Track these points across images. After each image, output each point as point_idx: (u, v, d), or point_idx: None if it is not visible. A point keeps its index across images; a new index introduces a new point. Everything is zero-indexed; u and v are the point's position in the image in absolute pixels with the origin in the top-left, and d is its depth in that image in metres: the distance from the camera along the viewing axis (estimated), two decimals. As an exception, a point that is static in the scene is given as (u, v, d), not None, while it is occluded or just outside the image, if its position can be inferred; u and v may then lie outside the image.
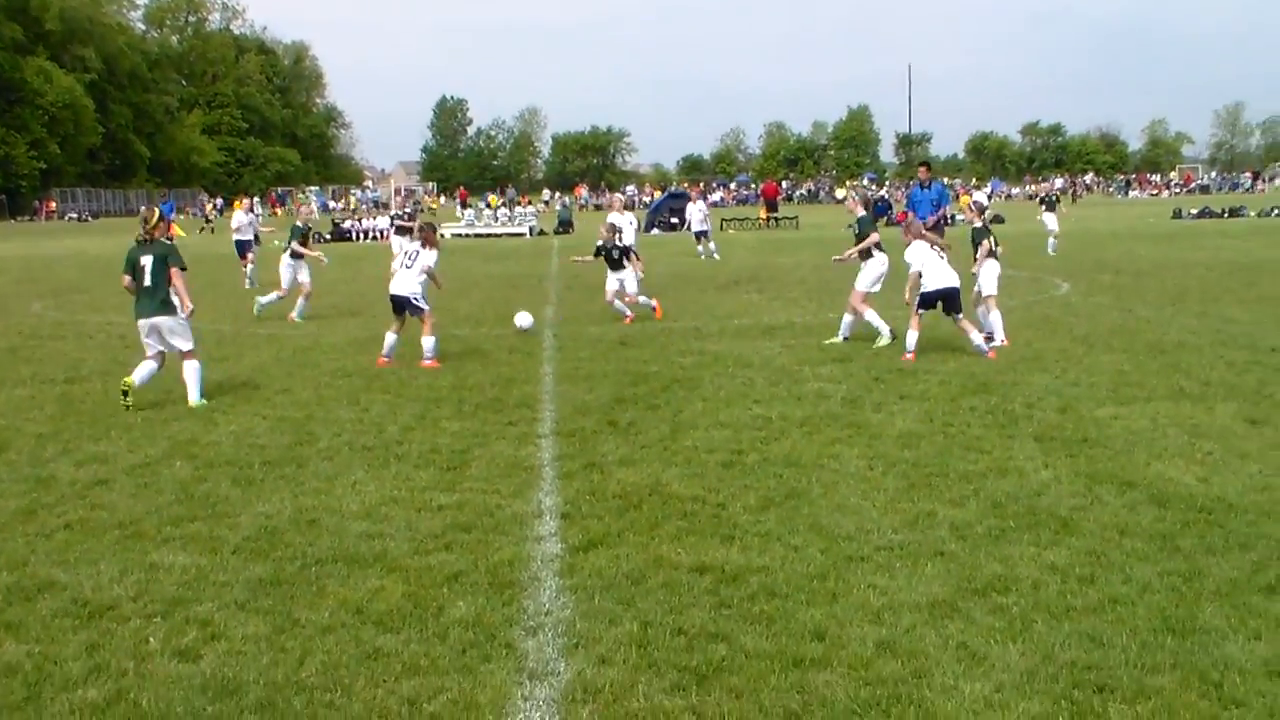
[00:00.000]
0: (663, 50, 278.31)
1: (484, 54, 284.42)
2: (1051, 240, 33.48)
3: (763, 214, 63.68)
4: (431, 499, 8.31)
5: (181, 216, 72.86)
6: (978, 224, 16.19)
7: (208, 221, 72.09)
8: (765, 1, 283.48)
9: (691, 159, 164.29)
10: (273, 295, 20.61)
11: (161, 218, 12.49)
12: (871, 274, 15.57)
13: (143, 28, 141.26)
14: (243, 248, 28.81)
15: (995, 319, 15.17)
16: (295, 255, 20.75)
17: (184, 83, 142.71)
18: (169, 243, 12.29)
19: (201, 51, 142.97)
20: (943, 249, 14.56)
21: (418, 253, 14.58)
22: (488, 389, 12.65)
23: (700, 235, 35.30)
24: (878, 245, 15.70)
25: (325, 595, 6.41)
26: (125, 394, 11.75)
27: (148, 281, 11.97)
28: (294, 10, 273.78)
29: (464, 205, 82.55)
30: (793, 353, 14.77)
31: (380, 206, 75.37)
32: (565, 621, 5.98)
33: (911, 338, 14.09)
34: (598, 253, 19.25)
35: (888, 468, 8.95)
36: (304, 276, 20.63)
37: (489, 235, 56.34)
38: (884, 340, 14.88)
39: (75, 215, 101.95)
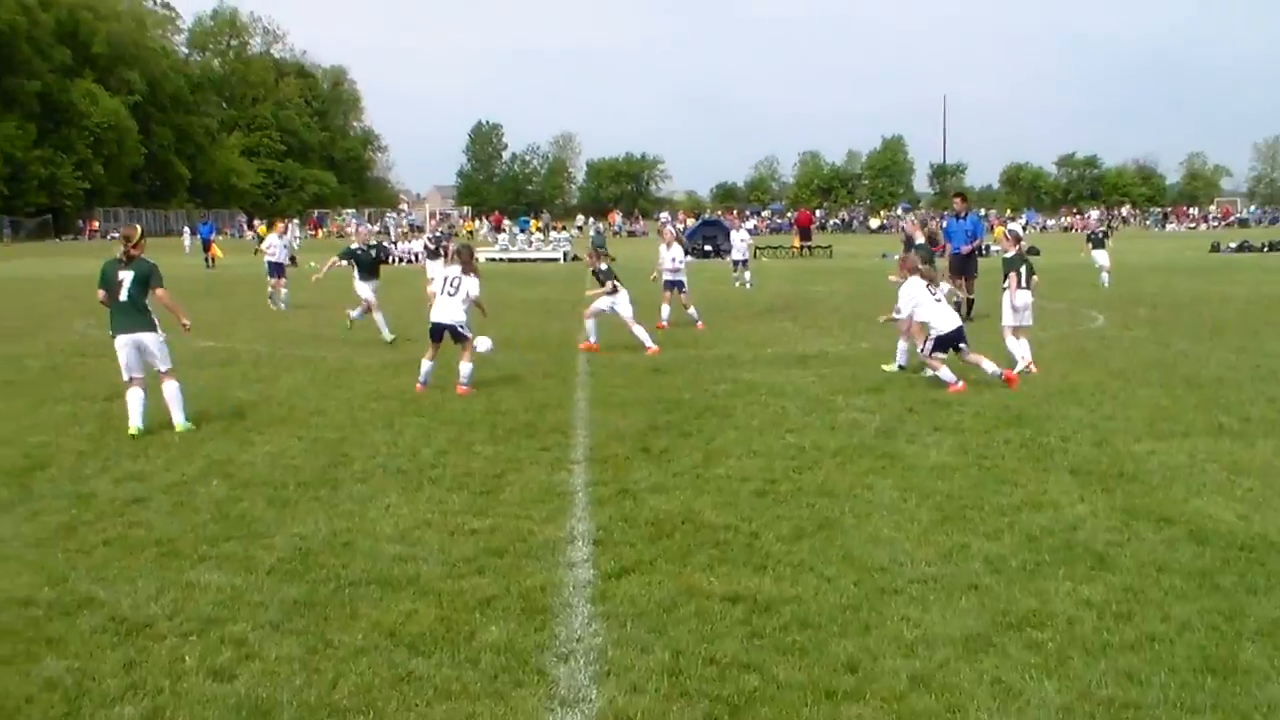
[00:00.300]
0: (698, 77, 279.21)
1: (520, 79, 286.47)
2: (1104, 275, 33.26)
3: (796, 242, 63.72)
4: (464, 523, 8.33)
5: (220, 237, 73.15)
6: (1011, 253, 16.07)
7: (260, 241, 71.62)
8: (800, 30, 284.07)
9: (725, 186, 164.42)
10: (379, 319, 20.20)
11: (143, 236, 12.34)
12: None
13: (186, 51, 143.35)
14: (274, 269, 28.83)
15: (1011, 344, 15.22)
16: (364, 276, 20.66)
17: (225, 105, 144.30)
18: (151, 262, 12.07)
19: (242, 75, 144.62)
20: (934, 283, 14.48)
21: (459, 279, 14.32)
22: (521, 414, 12.68)
23: (739, 264, 35.23)
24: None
25: (358, 617, 6.43)
26: (135, 438, 11.54)
27: (124, 297, 11.80)
28: (333, 34, 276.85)
29: (498, 230, 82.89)
30: (826, 382, 14.73)
31: (415, 230, 75.63)
32: (597, 649, 5.98)
33: (945, 372, 14.02)
34: (595, 276, 18.97)
35: (921, 499, 8.92)
36: (364, 293, 20.59)
37: (523, 260, 56.59)
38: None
39: (117, 235, 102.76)
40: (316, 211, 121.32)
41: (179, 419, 11.87)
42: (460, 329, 14.19)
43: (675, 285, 22.78)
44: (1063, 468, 9.89)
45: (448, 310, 14.23)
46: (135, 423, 11.66)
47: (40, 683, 5.59)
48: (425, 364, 14.35)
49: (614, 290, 18.38)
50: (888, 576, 7.07)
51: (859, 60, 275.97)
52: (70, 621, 6.38)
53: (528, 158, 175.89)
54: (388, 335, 19.87)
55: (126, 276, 11.82)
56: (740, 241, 36.37)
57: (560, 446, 10.99)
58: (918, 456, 10.41)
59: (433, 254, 29.03)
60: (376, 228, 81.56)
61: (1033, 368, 15.05)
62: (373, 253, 21.09)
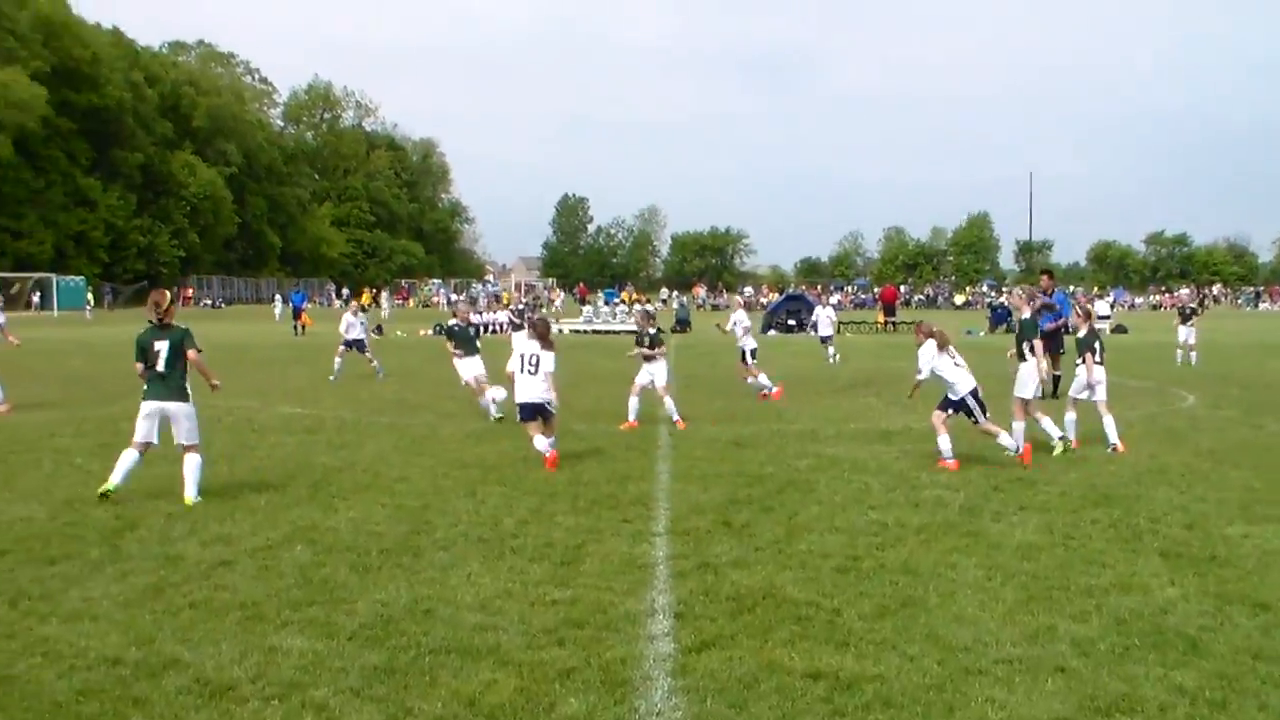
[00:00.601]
0: (782, 152, 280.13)
1: (606, 152, 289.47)
2: (1179, 353, 32.79)
3: (880, 318, 63.51)
4: (545, 593, 8.33)
5: (310, 305, 74.36)
6: (1083, 331, 15.87)
7: (364, 310, 71.01)
8: (885, 105, 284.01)
9: (810, 262, 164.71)
10: (487, 399, 19.02)
11: (174, 301, 12.31)
12: (1025, 379, 15.22)
13: (281, 124, 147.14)
14: (351, 345, 28.23)
15: (1069, 416, 15.47)
16: (463, 353, 19.99)
17: (317, 176, 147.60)
18: (183, 327, 12.07)
19: (335, 147, 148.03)
20: (948, 347, 14.43)
21: (537, 356, 14.10)
22: (603, 485, 12.69)
23: (826, 339, 35.28)
24: (1031, 349, 15.26)
25: (438, 686, 6.43)
26: (105, 496, 11.55)
27: (161, 366, 11.78)
28: (424, 108, 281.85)
29: (583, 301, 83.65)
30: (910, 458, 14.60)
31: (497, 300, 76.47)
32: (677, 723, 5.93)
33: (944, 442, 14.05)
34: (638, 341, 19.01)
35: (1006, 579, 8.78)
36: (467, 373, 19.86)
37: (607, 331, 56.83)
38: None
39: (210, 302, 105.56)
40: (404, 281, 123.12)
41: (191, 493, 11.73)
42: (550, 407, 14.16)
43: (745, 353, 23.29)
44: (1152, 550, 9.69)
45: (533, 389, 14.06)
46: (115, 480, 11.66)
47: (125, 743, 5.66)
48: (539, 440, 13.96)
49: (657, 357, 18.50)
50: (972, 656, 6.95)
51: (944, 136, 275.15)
52: (156, 682, 6.46)
53: (613, 230, 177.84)
54: (495, 413, 18.62)
55: (163, 346, 11.82)
56: (826, 318, 36.50)
57: (642, 519, 10.98)
58: (1003, 535, 10.26)
59: (517, 326, 29.16)
60: (461, 297, 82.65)
61: (1119, 447, 14.88)
62: (471, 330, 20.63)
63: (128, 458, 11.79)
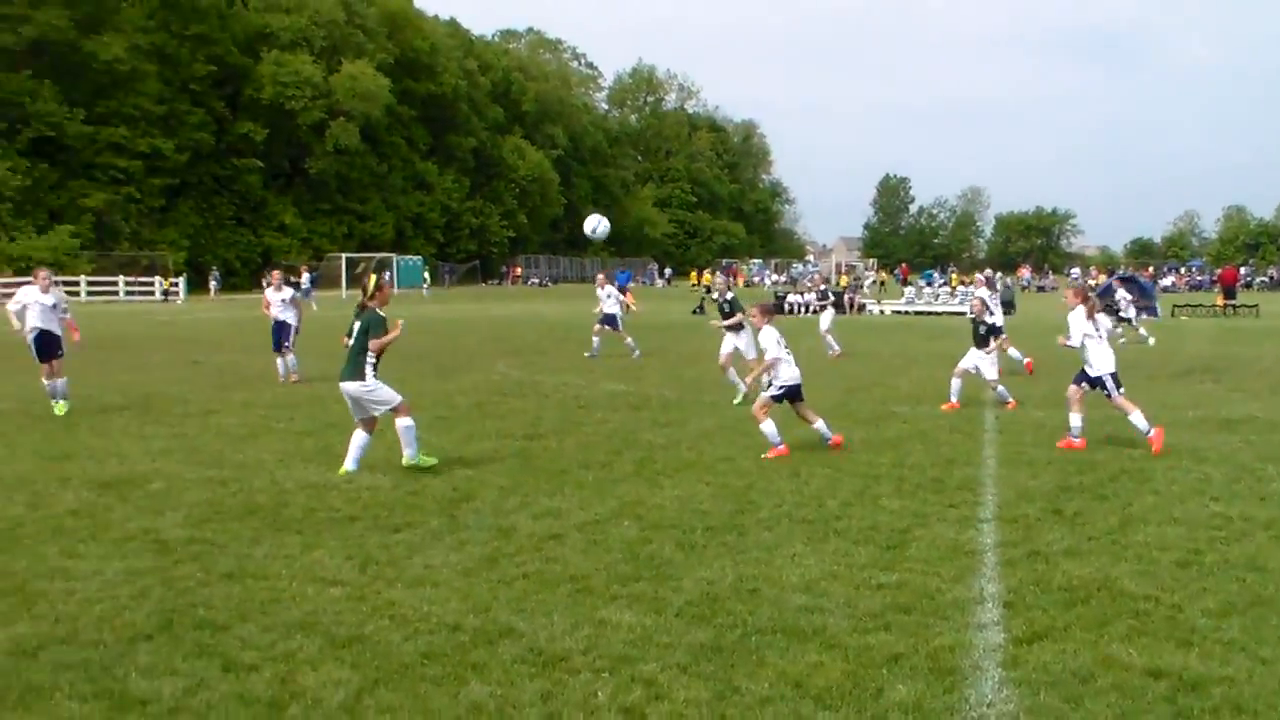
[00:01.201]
0: (1111, 129, 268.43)
1: (927, 133, 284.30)
2: None
3: (1220, 301, 60.02)
4: (870, 577, 8.24)
5: (633, 285, 75.77)
6: None
7: (708, 291, 71.43)
8: (1227, 79, 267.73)
9: (1141, 242, 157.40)
10: (731, 374, 19.18)
11: (379, 286, 12.61)
12: None
13: (605, 107, 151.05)
14: (605, 321, 28.21)
15: None
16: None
17: (639, 158, 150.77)
18: (379, 314, 12.35)
19: (657, 129, 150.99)
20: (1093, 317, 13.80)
21: (782, 338, 13.87)
22: (928, 469, 12.47)
23: (1128, 321, 34.54)
24: None
25: (765, 666, 6.45)
26: (346, 479, 11.93)
27: (349, 343, 12.22)
28: (744, 90, 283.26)
29: (905, 282, 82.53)
30: (1254, 449, 13.72)
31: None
32: (1009, 715, 5.77)
33: (1075, 418, 13.77)
34: (978, 327, 18.70)
35: (1372, 583, 8.14)
36: (725, 348, 19.53)
37: (929, 313, 55.87)
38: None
39: (537, 280, 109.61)
40: (728, 261, 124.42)
41: (408, 454, 12.18)
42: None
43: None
44: None
45: (796, 371, 13.86)
46: (347, 465, 12.21)
47: (466, 705, 5.90)
48: (820, 422, 13.94)
49: (991, 349, 18.32)
50: (1334, 665, 6.47)
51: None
52: (493, 650, 6.72)
53: (934, 210, 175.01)
54: (737, 397, 18.36)
55: (355, 327, 12.29)
56: (1124, 298, 36.13)
57: (968, 504, 10.73)
58: (1366, 534, 9.52)
59: (823, 307, 29.15)
60: (783, 278, 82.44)
61: None
62: (725, 306, 20.08)
63: (358, 437, 12.35)
